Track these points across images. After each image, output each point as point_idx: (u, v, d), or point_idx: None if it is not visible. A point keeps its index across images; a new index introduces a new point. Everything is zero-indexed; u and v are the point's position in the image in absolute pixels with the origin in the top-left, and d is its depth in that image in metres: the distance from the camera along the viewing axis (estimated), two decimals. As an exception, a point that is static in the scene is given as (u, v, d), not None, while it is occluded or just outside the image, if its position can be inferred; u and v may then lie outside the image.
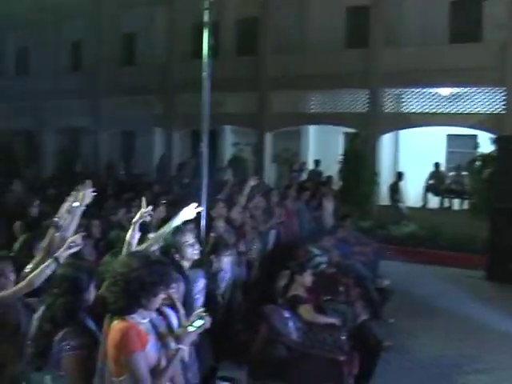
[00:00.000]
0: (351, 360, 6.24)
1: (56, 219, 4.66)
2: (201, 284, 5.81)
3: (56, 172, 22.20)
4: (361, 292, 8.64)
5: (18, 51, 27.33)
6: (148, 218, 4.95)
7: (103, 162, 22.14)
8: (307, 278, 6.97)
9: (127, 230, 6.08)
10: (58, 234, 4.70)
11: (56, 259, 4.23)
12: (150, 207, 4.96)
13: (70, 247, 4.26)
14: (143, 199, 4.99)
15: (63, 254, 4.24)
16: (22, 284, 4.26)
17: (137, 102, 21.66)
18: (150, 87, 21.20)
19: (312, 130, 20.13)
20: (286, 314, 6.54)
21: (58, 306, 3.89)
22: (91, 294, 4.04)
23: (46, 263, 4.25)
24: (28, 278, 4.25)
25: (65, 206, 4.61)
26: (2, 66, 27.66)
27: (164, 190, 12.51)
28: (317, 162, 18.62)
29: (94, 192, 4.88)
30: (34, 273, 4.23)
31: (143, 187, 14.58)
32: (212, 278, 6.30)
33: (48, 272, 4.20)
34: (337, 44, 18.87)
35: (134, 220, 4.81)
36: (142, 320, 3.57)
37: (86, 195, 4.79)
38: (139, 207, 8.44)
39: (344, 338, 6.40)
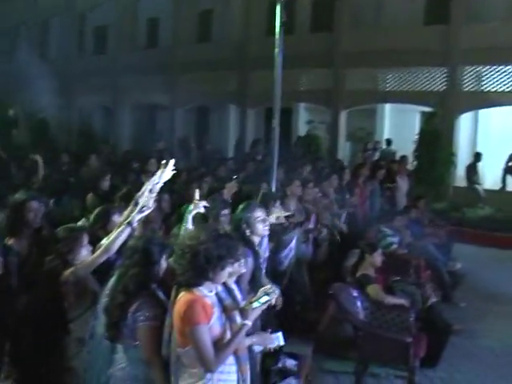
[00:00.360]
0: (418, 342, 6.17)
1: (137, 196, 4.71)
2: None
3: (132, 148, 22.74)
4: (432, 274, 8.49)
5: (96, 30, 27.95)
6: (202, 210, 4.95)
7: (178, 137, 22.47)
8: (377, 258, 6.90)
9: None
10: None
11: (129, 224, 4.31)
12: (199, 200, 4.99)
13: (141, 211, 4.32)
14: (197, 192, 5.05)
15: (136, 217, 4.30)
16: (99, 251, 4.38)
17: (212, 79, 21.78)
18: (225, 64, 21.28)
19: (388, 109, 19.76)
20: (355, 293, 6.51)
21: (129, 277, 3.96)
22: (162, 267, 4.11)
23: (119, 229, 4.34)
24: (104, 244, 4.37)
25: (147, 185, 4.67)
26: (81, 45, 28.43)
27: (238, 166, 12.54)
28: (388, 141, 18.29)
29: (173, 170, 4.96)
30: (110, 239, 4.33)
31: (217, 163, 14.79)
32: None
33: (123, 237, 4.30)
34: (415, 19, 18.25)
35: (190, 213, 4.85)
36: (209, 293, 3.62)
37: (165, 172, 4.87)
38: (210, 183, 8.63)
39: (412, 319, 6.29)
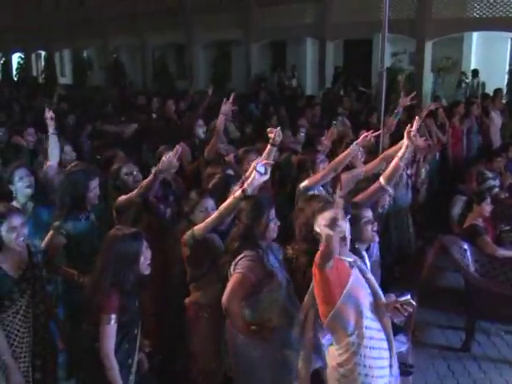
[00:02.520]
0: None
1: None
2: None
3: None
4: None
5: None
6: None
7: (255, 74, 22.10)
8: (486, 208, 6.45)
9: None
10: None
11: (244, 191, 4.07)
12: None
13: (257, 179, 4.02)
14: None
15: (251, 184, 4.01)
16: (213, 216, 4.21)
17: (288, 12, 21.02)
18: (301, -4, 20.46)
19: (475, 37, 18.64)
20: (465, 246, 6.13)
21: (234, 233, 3.97)
22: (270, 226, 3.96)
23: (234, 195, 4.13)
24: (218, 210, 4.20)
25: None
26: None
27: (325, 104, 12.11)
28: (475, 72, 17.30)
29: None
30: (224, 205, 4.13)
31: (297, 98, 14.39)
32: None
33: (237, 204, 4.09)
34: None
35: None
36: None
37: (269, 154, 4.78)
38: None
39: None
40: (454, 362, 5.68)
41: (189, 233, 4.24)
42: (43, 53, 34.64)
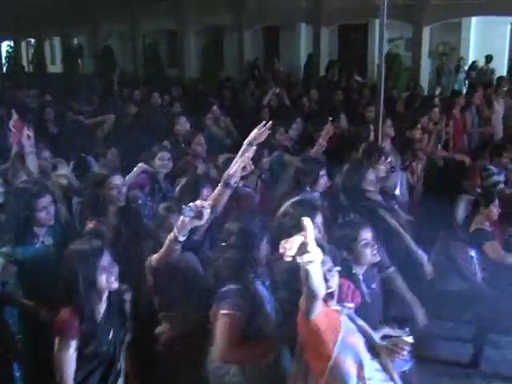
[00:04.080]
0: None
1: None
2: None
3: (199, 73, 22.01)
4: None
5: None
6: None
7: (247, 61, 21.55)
8: (494, 210, 5.98)
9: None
10: None
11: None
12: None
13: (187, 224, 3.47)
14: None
15: (182, 230, 3.49)
16: (164, 247, 3.71)
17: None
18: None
19: (474, 22, 18.12)
20: (471, 253, 5.67)
21: (223, 260, 3.48)
22: (262, 253, 3.47)
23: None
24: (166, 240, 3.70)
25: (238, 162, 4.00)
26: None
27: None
28: (488, 58, 16.77)
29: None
30: (165, 243, 3.64)
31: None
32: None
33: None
34: None
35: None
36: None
37: (261, 135, 4.15)
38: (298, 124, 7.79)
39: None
40: (462, 381, 5.26)
41: (148, 260, 3.81)
42: (33, 41, 33.94)
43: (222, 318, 3.33)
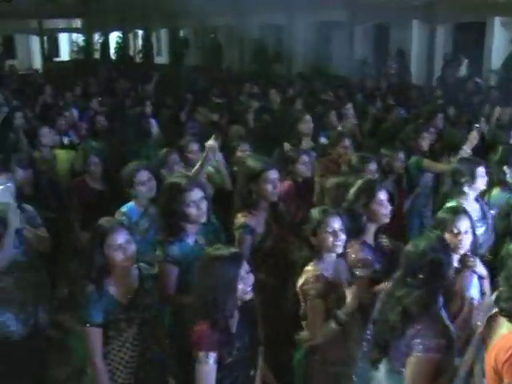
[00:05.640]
0: None
1: None
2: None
3: (305, 69, 21.71)
4: None
5: None
6: None
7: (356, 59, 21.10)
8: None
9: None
10: None
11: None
12: None
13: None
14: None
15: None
16: None
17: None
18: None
19: None
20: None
21: (413, 298, 3.21)
22: (450, 279, 3.28)
23: None
24: None
25: None
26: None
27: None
28: None
29: None
30: None
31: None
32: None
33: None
34: None
35: None
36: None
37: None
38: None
39: None
40: None
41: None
42: (140, 32, 34.71)
43: (419, 362, 3.14)
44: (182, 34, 31.60)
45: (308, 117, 7.46)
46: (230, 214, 4.63)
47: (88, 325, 3.54)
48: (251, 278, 3.37)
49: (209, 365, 3.18)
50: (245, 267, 3.34)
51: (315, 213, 3.98)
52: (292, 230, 4.41)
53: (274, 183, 4.47)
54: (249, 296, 3.37)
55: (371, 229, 4.25)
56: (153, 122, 8.77)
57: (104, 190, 6.06)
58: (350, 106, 8.74)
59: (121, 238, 3.58)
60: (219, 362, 3.24)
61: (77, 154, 7.22)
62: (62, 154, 7.53)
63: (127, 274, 3.69)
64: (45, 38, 38.04)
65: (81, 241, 5.51)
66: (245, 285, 3.31)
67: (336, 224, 3.87)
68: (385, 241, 4.30)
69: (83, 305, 3.56)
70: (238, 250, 3.52)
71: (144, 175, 4.95)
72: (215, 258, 3.32)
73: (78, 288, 3.86)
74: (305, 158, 5.70)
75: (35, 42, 38.85)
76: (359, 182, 4.46)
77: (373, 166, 5.54)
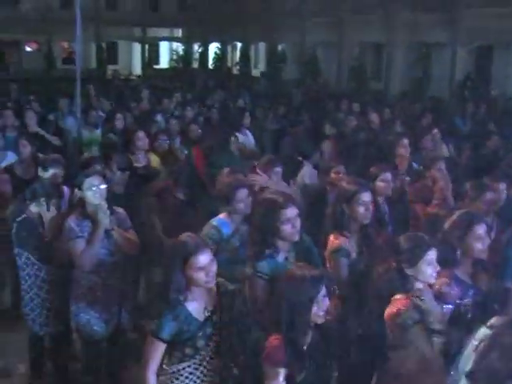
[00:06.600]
0: None
1: None
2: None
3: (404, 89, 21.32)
4: None
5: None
6: None
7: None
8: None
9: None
10: None
11: None
12: None
13: None
14: None
15: None
16: None
17: (498, 14, 19.15)
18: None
19: None
20: None
21: None
22: None
23: None
24: None
25: None
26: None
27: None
28: None
29: None
30: None
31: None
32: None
33: None
34: None
35: None
36: None
37: None
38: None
39: None
40: None
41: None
42: (239, 44, 35.21)
43: None
44: (279, 48, 31.80)
45: (406, 141, 7.24)
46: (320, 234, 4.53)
47: (155, 336, 3.49)
48: (326, 303, 3.30)
49: (278, 381, 3.12)
50: (323, 290, 3.28)
51: (408, 242, 3.80)
52: (379, 254, 4.21)
53: (367, 205, 4.35)
54: (321, 319, 3.30)
55: (466, 263, 4.02)
56: (248, 133, 8.76)
57: (186, 199, 6.00)
58: (436, 131, 8.43)
59: (205, 259, 3.45)
60: (289, 380, 3.18)
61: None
62: (155, 158, 7.59)
63: (206, 291, 3.63)
64: (146, 45, 39.38)
65: (164, 248, 5.43)
66: (318, 308, 3.25)
67: (432, 256, 3.68)
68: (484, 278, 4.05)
69: (158, 318, 3.51)
70: (319, 273, 3.40)
71: (243, 192, 4.87)
72: (295, 278, 3.29)
73: (157, 301, 3.78)
74: (387, 175, 5.46)
75: (137, 49, 40.26)
76: (457, 213, 4.24)
77: (490, 195, 5.26)
